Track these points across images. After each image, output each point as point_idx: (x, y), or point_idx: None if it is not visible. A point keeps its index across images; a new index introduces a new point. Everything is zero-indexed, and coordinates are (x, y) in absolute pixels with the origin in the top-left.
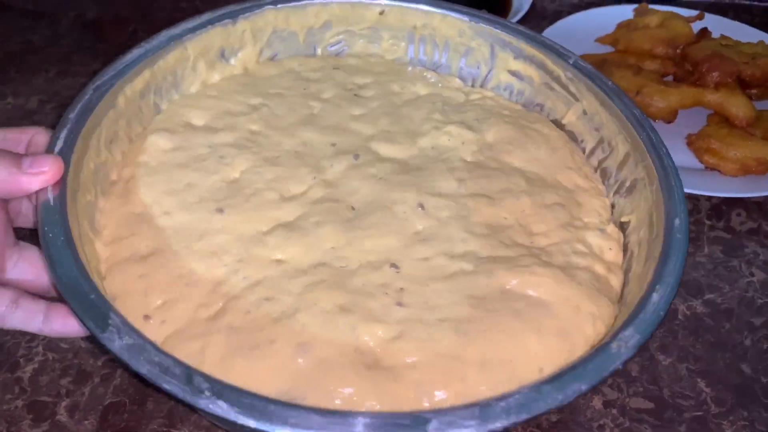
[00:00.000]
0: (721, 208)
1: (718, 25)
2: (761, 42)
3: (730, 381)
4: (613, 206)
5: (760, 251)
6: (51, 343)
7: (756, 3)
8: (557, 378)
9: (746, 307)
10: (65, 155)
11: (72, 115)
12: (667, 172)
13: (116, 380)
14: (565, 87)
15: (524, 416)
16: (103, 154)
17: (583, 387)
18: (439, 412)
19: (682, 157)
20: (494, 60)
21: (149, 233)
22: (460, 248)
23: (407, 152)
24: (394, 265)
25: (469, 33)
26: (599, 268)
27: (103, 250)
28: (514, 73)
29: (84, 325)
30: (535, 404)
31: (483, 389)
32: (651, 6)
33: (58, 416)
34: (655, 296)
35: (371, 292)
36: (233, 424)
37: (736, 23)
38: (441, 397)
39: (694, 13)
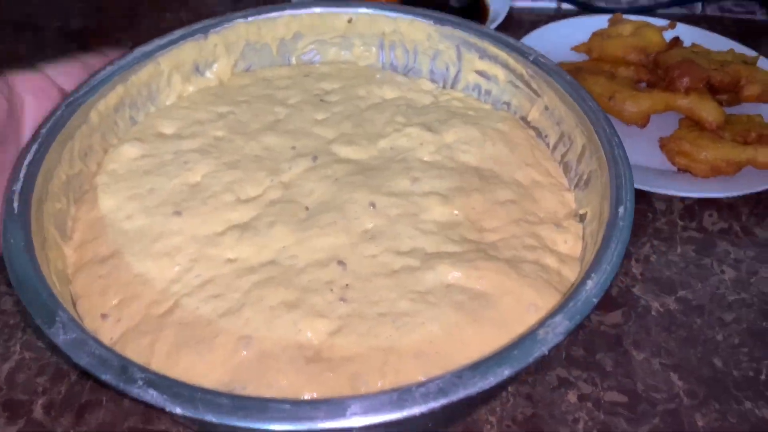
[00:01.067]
0: (694, 209)
1: (689, 35)
2: (731, 50)
3: (702, 375)
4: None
5: (731, 250)
6: (28, 342)
7: (727, 15)
8: (480, 363)
9: (717, 304)
10: (34, 167)
11: (43, 130)
12: (617, 161)
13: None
14: (527, 84)
15: (443, 401)
16: (77, 165)
17: (506, 372)
18: (358, 398)
19: (655, 159)
20: (461, 61)
21: (111, 237)
22: (407, 245)
23: (366, 153)
24: (341, 263)
25: (435, 36)
26: (550, 261)
27: (71, 255)
28: (480, 73)
29: (34, 321)
30: (453, 389)
31: (420, 379)
32: (625, 16)
33: (33, 414)
34: (589, 283)
35: (317, 289)
36: (177, 415)
37: (708, 33)
38: (377, 386)
39: (666, 23)
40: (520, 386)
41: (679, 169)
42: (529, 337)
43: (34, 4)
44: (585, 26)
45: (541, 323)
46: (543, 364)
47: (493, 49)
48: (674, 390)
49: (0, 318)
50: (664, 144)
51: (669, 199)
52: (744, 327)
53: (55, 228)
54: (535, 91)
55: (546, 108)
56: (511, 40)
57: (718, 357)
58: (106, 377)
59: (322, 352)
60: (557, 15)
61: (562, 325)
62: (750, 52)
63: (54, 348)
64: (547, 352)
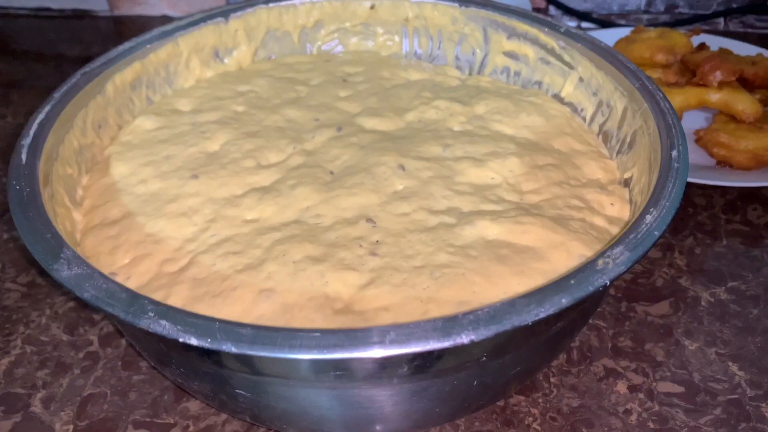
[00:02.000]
0: (736, 203)
1: (715, 43)
2: (760, 54)
3: (764, 364)
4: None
5: None
6: (30, 337)
7: (750, 30)
8: (535, 292)
9: None
10: (46, 126)
11: (57, 94)
12: (664, 112)
13: (97, 372)
14: (559, 58)
15: (494, 329)
16: (90, 135)
17: (564, 301)
18: (397, 326)
19: (691, 156)
20: (488, 44)
21: (123, 200)
22: (442, 204)
23: (393, 125)
24: (370, 220)
25: (461, 19)
26: (598, 221)
27: (80, 220)
28: (509, 54)
29: (36, 258)
30: (506, 317)
31: None
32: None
33: (32, 408)
34: (648, 218)
35: (345, 245)
36: (183, 347)
37: (734, 41)
38: None
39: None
40: (563, 377)
41: (718, 163)
42: (588, 266)
43: None
44: (607, 37)
45: (601, 253)
46: (587, 354)
47: (523, 26)
48: (735, 380)
49: (2, 314)
50: (700, 137)
51: (709, 195)
52: None
53: (65, 191)
54: (568, 64)
55: (581, 79)
56: (540, 16)
57: None
58: (113, 309)
59: (354, 305)
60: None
61: (623, 256)
62: None
63: (60, 287)
64: (608, 282)
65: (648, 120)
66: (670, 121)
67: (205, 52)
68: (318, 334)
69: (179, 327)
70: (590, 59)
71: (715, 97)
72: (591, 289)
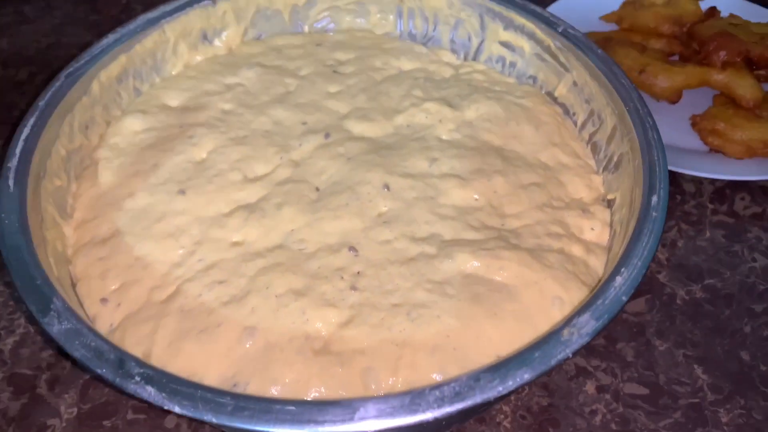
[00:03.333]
0: (725, 191)
1: (727, 4)
2: None
3: (727, 368)
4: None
5: (764, 236)
6: (33, 317)
7: None
8: (499, 366)
9: (747, 294)
10: (31, 142)
11: (41, 103)
12: (650, 145)
13: None
14: (555, 57)
15: (458, 405)
16: (77, 139)
17: (527, 376)
18: (368, 400)
19: (686, 138)
20: (485, 31)
21: (111, 216)
22: (423, 231)
23: (381, 131)
24: (353, 249)
25: (457, 4)
26: (576, 250)
27: (71, 234)
28: (505, 44)
29: (28, 309)
30: (470, 393)
31: (435, 376)
32: None
33: (38, 389)
34: (618, 279)
35: (326, 276)
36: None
37: (748, 3)
38: (389, 383)
39: None
40: None
41: (711, 150)
42: (552, 337)
43: None
44: None
45: (566, 322)
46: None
47: (520, 19)
48: (698, 383)
49: (4, 291)
50: (696, 122)
51: (699, 181)
52: None
53: (55, 207)
54: (563, 65)
55: (575, 84)
56: (539, 10)
57: (745, 350)
58: (102, 371)
59: (332, 344)
60: None
61: (588, 325)
62: None
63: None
64: (571, 355)
65: (635, 150)
66: (656, 157)
67: (193, 36)
68: (293, 407)
69: (164, 395)
70: (585, 66)
71: (717, 78)
72: (554, 362)
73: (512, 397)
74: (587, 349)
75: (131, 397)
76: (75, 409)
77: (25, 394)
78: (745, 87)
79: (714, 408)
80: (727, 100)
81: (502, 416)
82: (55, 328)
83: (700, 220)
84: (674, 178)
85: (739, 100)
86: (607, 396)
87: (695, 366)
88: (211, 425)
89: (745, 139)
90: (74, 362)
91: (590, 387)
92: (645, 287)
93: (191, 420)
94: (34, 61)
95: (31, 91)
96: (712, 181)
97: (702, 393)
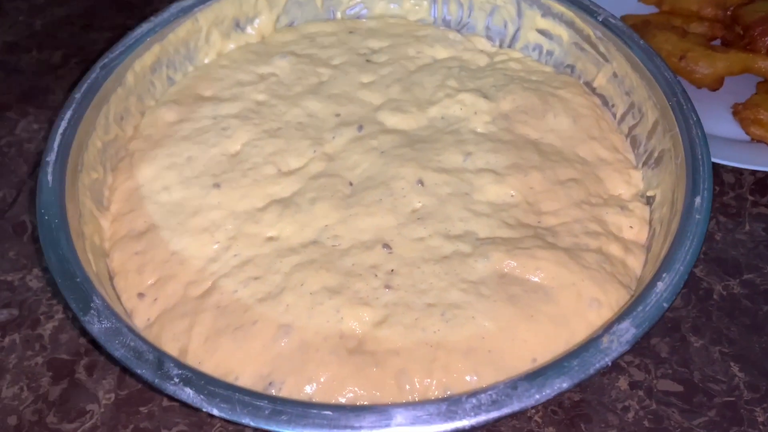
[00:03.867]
0: (766, 183)
1: None
2: None
3: (765, 367)
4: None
5: None
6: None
7: None
8: (537, 374)
9: None
10: (69, 134)
11: (78, 95)
12: (693, 143)
13: None
14: (594, 47)
15: (495, 414)
16: (112, 130)
17: (565, 385)
18: (404, 406)
19: (727, 127)
20: (521, 18)
21: (147, 209)
22: (458, 228)
23: (415, 123)
24: (386, 246)
25: None
26: (614, 249)
27: (108, 227)
28: (542, 32)
29: (69, 307)
30: (507, 401)
31: (469, 379)
32: None
33: (77, 375)
34: (659, 285)
35: (360, 274)
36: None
37: None
38: (424, 385)
39: None
40: None
41: (753, 140)
42: (591, 344)
43: None
44: None
45: (606, 329)
46: None
47: (558, 6)
48: (734, 381)
49: (44, 276)
50: (738, 111)
51: (739, 172)
52: None
53: (92, 200)
54: (603, 56)
55: (614, 75)
56: None
57: None
58: (141, 372)
59: (366, 344)
60: None
61: (628, 333)
62: None
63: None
64: (610, 364)
65: (677, 147)
66: (699, 156)
67: (226, 25)
68: (330, 412)
69: (202, 397)
70: (626, 57)
71: (762, 64)
72: (592, 371)
73: None
74: None
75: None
76: (113, 395)
77: (65, 379)
78: None
79: (750, 407)
80: None
81: (533, 410)
82: (96, 327)
83: (739, 212)
84: (713, 169)
85: None
86: (641, 392)
87: (731, 363)
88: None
89: None
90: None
91: (623, 383)
92: None
93: None
94: (68, 44)
95: (65, 74)
96: (753, 172)
97: (738, 391)
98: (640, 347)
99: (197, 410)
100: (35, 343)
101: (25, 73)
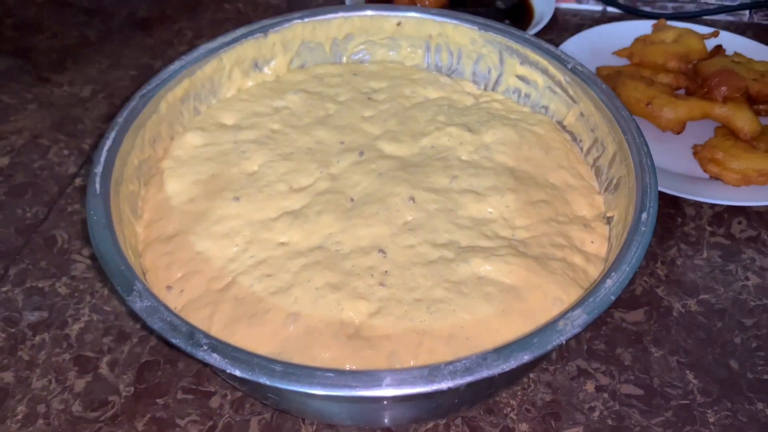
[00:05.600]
0: (723, 216)
1: (733, 43)
2: None
3: (717, 374)
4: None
5: (757, 257)
6: (96, 306)
7: None
8: (503, 348)
9: (739, 309)
10: (113, 151)
11: (120, 119)
12: (644, 170)
13: (152, 342)
14: (565, 90)
15: (468, 378)
16: (146, 150)
17: (526, 357)
18: (393, 371)
19: (688, 166)
20: (503, 65)
21: (176, 217)
22: (443, 238)
23: (409, 150)
24: (382, 251)
25: (479, 41)
26: (577, 259)
27: (141, 232)
28: (521, 78)
29: (115, 289)
30: (478, 369)
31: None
32: (669, 22)
33: (100, 369)
34: (608, 282)
35: (359, 274)
36: (231, 376)
37: (753, 42)
38: (410, 365)
39: (711, 30)
40: (541, 374)
41: (711, 177)
42: (549, 326)
43: None
44: (629, 31)
45: (563, 314)
46: (564, 354)
47: (534, 56)
48: (689, 387)
49: (71, 284)
50: (697, 151)
51: (699, 206)
52: (764, 332)
53: (129, 208)
54: (572, 98)
55: (582, 114)
56: (551, 48)
57: (734, 359)
58: (176, 341)
59: (362, 330)
60: (602, 18)
61: (580, 319)
62: None
63: (131, 312)
64: (564, 342)
65: (630, 173)
66: (647, 180)
67: (246, 64)
68: (332, 374)
69: (227, 360)
70: (591, 99)
71: (718, 111)
72: (549, 347)
73: (519, 393)
74: (588, 353)
75: (201, 362)
76: (132, 388)
77: (89, 374)
78: (743, 120)
79: (702, 409)
80: (727, 131)
81: (509, 409)
82: (138, 305)
83: (698, 241)
84: (677, 202)
85: (738, 132)
86: (605, 395)
87: (687, 371)
88: (260, 398)
89: (741, 168)
90: (151, 331)
91: (590, 386)
92: (644, 300)
93: (233, 400)
94: (97, 80)
95: (93, 107)
96: (712, 205)
97: (692, 396)
98: (606, 356)
99: (205, 391)
100: (63, 341)
101: (57, 105)
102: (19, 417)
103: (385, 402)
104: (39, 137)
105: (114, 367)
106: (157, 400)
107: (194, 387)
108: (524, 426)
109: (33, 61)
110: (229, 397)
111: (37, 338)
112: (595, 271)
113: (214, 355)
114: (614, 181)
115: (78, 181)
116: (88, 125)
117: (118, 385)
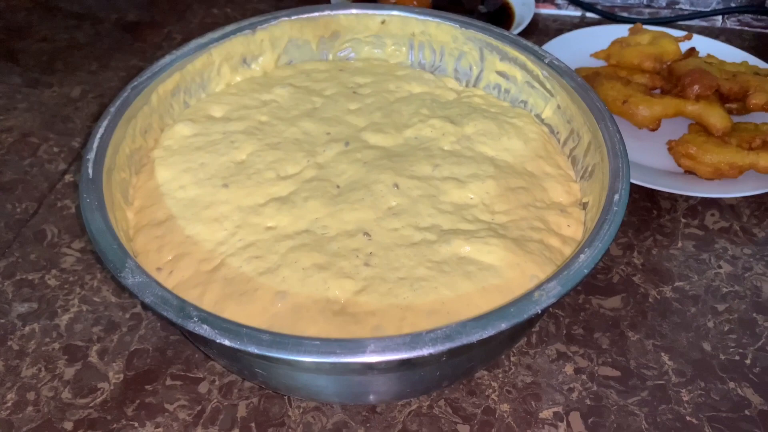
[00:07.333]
0: (697, 208)
1: (706, 46)
2: (745, 62)
3: (691, 356)
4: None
5: (730, 247)
6: (85, 298)
7: (746, 28)
8: (482, 317)
9: (712, 295)
10: (105, 140)
11: (112, 109)
12: (617, 155)
13: (141, 331)
14: (542, 84)
15: (448, 345)
16: (138, 141)
17: (503, 325)
18: (376, 339)
19: (663, 161)
20: (484, 62)
21: (167, 203)
22: (426, 221)
23: (393, 141)
24: (367, 234)
25: (461, 38)
26: (554, 241)
27: (132, 218)
28: (501, 74)
29: (108, 267)
30: (458, 336)
31: None
32: (645, 26)
33: (89, 358)
34: (582, 257)
35: (345, 255)
36: (221, 349)
37: (725, 45)
38: None
39: (685, 33)
40: (522, 357)
41: (685, 171)
42: (525, 297)
43: None
44: (606, 34)
45: (538, 286)
46: (544, 339)
47: (513, 52)
48: (664, 368)
49: (61, 276)
50: (671, 147)
51: (674, 199)
52: (735, 316)
53: (121, 194)
54: (549, 91)
55: (558, 107)
56: (529, 44)
57: (707, 342)
58: (167, 314)
59: (348, 307)
60: (581, 24)
61: (555, 290)
62: (764, 65)
63: (124, 288)
64: (539, 311)
65: (604, 160)
66: (620, 165)
67: (235, 60)
68: (318, 342)
69: (216, 331)
70: (567, 92)
71: (691, 109)
72: (525, 316)
73: (500, 375)
74: (567, 338)
75: (190, 341)
76: (121, 375)
77: (78, 362)
78: (715, 117)
79: (677, 389)
80: (700, 128)
81: (491, 390)
82: (130, 281)
83: (673, 232)
84: (653, 195)
85: (710, 129)
86: (584, 377)
87: (662, 354)
88: (249, 376)
89: (714, 162)
90: (144, 307)
91: (569, 368)
92: (621, 287)
93: (221, 386)
94: (86, 81)
95: (83, 107)
96: (686, 198)
97: (667, 376)
98: (584, 340)
99: (194, 377)
100: (52, 331)
101: (46, 105)
102: (9, 404)
103: (369, 373)
104: (29, 135)
105: (103, 356)
106: (146, 387)
107: (183, 374)
108: (506, 406)
109: (23, 64)
110: (217, 382)
111: (27, 328)
112: (570, 252)
113: (204, 326)
114: (589, 169)
115: (68, 177)
116: (78, 124)
117: (108, 372)
